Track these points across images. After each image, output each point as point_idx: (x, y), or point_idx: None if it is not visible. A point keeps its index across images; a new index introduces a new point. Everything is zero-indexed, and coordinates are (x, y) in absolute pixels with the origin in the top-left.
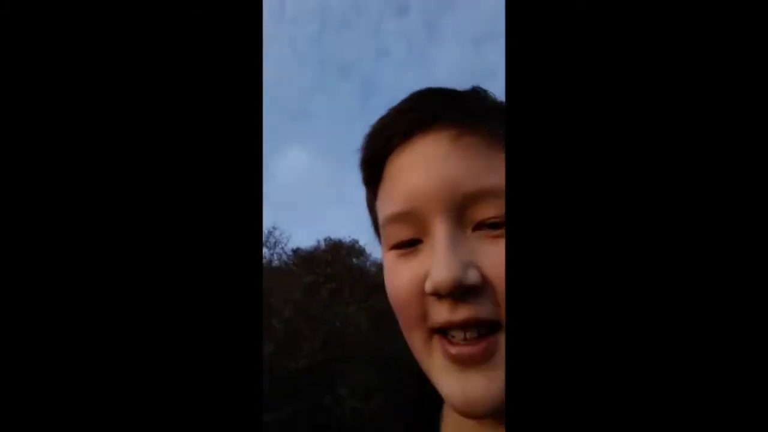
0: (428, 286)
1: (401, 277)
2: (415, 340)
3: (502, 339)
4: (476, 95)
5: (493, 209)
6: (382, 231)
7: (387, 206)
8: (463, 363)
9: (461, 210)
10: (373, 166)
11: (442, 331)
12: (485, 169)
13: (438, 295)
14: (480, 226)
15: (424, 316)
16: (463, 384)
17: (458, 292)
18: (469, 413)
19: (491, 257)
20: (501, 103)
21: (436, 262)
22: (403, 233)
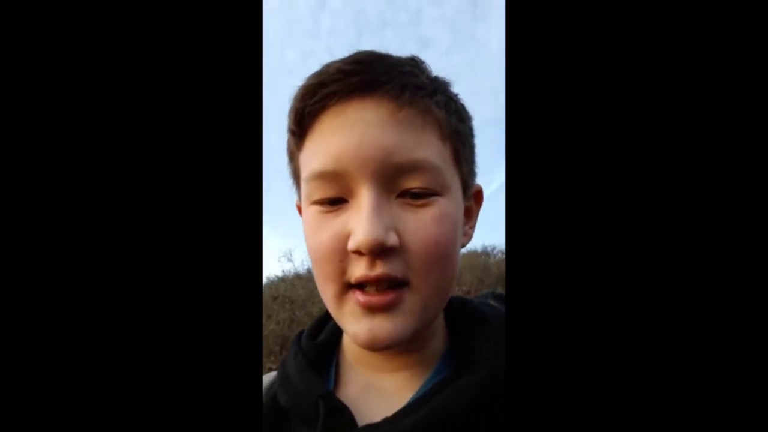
0: (351, 244)
1: (324, 233)
2: (329, 291)
3: (407, 294)
4: (416, 66)
5: (418, 181)
6: (305, 184)
7: (314, 162)
8: (372, 310)
9: (389, 178)
10: (305, 120)
11: (357, 285)
12: (417, 143)
13: (359, 252)
14: (404, 194)
15: (342, 272)
16: (370, 325)
17: (377, 252)
18: (372, 348)
19: (410, 224)
20: (435, 77)
21: (361, 223)
22: (328, 191)
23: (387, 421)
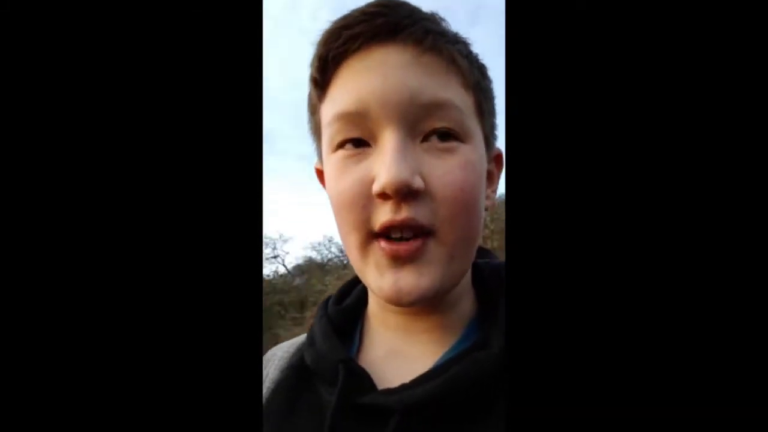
0: (376, 187)
1: (348, 178)
2: (353, 242)
3: (432, 243)
4: (436, 19)
5: (444, 120)
6: (327, 129)
7: (337, 105)
8: (398, 259)
9: (413, 120)
10: (328, 65)
11: (382, 234)
12: (441, 85)
13: (384, 196)
14: (428, 137)
15: (367, 219)
16: (396, 278)
17: (403, 194)
18: (399, 302)
19: (436, 168)
20: (456, 33)
21: (386, 165)
22: (352, 132)
23: (403, 387)
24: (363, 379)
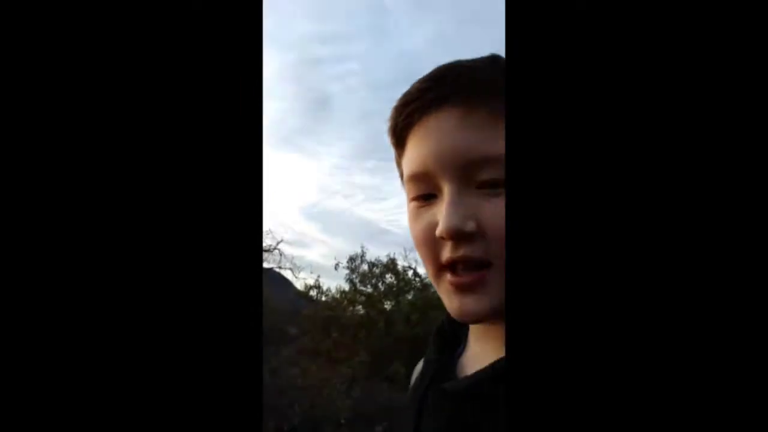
0: (437, 232)
1: (419, 223)
2: (429, 271)
3: (491, 274)
4: (492, 65)
5: (494, 172)
6: (405, 185)
7: (408, 167)
8: (461, 288)
9: (467, 172)
10: (399, 135)
11: (449, 266)
12: (490, 139)
13: (444, 238)
14: (482, 185)
15: (436, 255)
16: (461, 302)
17: (457, 237)
18: (464, 321)
19: (487, 211)
20: None
21: (443, 215)
22: (420, 189)
23: (458, 380)
24: (445, 371)
